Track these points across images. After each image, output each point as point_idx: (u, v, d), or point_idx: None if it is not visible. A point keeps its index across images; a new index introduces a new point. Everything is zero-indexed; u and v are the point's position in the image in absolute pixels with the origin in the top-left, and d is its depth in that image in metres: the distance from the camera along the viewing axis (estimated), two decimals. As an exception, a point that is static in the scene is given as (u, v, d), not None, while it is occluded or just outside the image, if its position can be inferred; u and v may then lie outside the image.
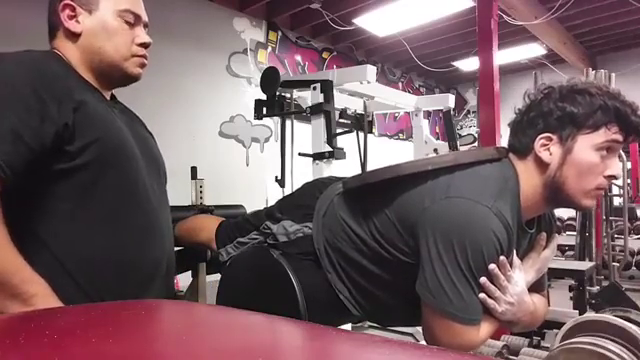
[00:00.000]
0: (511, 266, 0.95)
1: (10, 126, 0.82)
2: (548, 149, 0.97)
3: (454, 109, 4.19)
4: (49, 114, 0.86)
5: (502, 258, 0.92)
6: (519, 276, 0.97)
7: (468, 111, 8.76)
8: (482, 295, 0.93)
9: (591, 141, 0.93)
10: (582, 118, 0.93)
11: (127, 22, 1.02)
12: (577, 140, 0.94)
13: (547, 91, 1.00)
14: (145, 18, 1.07)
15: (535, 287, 1.05)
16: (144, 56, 1.06)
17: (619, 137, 0.94)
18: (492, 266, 0.91)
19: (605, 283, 2.99)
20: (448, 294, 0.90)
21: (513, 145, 1.03)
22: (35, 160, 0.85)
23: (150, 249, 1.01)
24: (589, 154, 0.93)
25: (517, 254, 0.99)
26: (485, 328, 0.95)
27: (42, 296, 0.82)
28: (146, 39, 1.05)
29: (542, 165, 0.97)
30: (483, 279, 0.91)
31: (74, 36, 1.00)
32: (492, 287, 0.93)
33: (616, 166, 0.96)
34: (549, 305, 1.17)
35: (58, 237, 0.89)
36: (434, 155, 2.70)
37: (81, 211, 0.91)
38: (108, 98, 1.07)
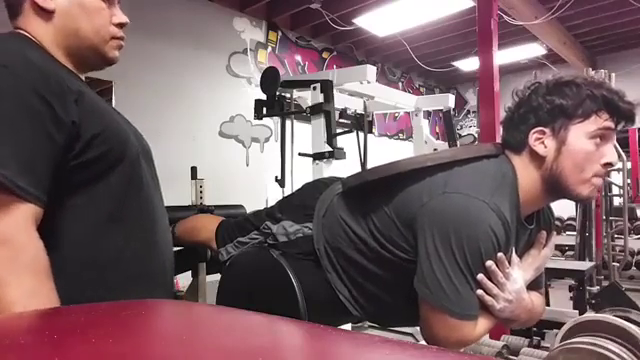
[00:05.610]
0: (510, 263, 0.95)
1: (31, 146, 0.76)
2: (542, 142, 0.97)
3: (454, 109, 4.19)
4: (58, 117, 0.79)
5: (500, 255, 0.92)
6: (518, 273, 0.97)
7: (468, 111, 8.75)
8: (480, 292, 0.93)
9: (583, 130, 0.94)
10: (572, 108, 0.95)
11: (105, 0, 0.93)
12: (570, 130, 0.95)
13: (534, 87, 1.01)
14: None
15: (533, 285, 1.05)
16: (122, 38, 0.97)
17: (610, 124, 0.95)
18: (489, 263, 0.91)
19: (605, 283, 2.99)
20: (444, 289, 0.90)
21: (507, 142, 1.04)
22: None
23: (155, 247, 0.97)
24: (583, 143, 0.94)
25: (516, 250, 1.00)
26: (482, 324, 0.95)
27: None
28: (124, 19, 0.97)
29: (538, 158, 0.98)
30: (480, 276, 0.91)
31: (46, 14, 0.88)
32: (490, 284, 0.93)
33: (612, 153, 0.96)
34: (549, 305, 1.17)
35: (64, 237, 0.84)
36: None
37: (88, 210, 0.86)
38: None
